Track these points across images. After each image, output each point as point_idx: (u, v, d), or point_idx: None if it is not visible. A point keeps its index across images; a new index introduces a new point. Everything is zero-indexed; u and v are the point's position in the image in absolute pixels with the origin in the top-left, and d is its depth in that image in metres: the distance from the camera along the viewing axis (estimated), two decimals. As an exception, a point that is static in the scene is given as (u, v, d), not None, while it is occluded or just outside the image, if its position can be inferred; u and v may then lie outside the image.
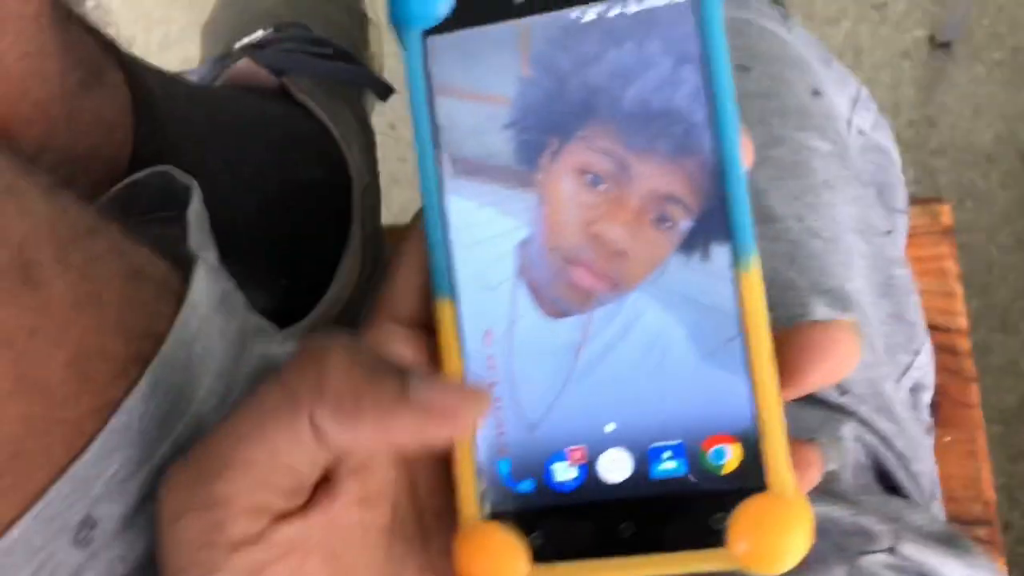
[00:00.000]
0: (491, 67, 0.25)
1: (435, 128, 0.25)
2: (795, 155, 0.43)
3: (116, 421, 0.24)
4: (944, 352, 0.48)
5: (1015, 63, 1.18)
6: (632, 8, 0.24)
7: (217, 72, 0.47)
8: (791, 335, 0.23)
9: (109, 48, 0.37)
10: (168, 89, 0.38)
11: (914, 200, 0.51)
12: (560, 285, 0.25)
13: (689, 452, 0.23)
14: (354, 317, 0.49)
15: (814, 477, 0.23)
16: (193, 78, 0.50)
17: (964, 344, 0.48)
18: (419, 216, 0.26)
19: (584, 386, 0.24)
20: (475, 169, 0.25)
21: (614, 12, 0.24)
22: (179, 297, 0.27)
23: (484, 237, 0.25)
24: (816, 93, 0.47)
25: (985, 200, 1.16)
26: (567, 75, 0.24)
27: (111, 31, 0.37)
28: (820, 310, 0.39)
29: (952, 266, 0.49)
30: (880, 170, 0.51)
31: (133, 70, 0.37)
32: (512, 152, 0.25)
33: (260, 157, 0.43)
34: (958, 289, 0.49)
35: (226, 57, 0.48)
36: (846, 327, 0.23)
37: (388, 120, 1.27)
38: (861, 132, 0.51)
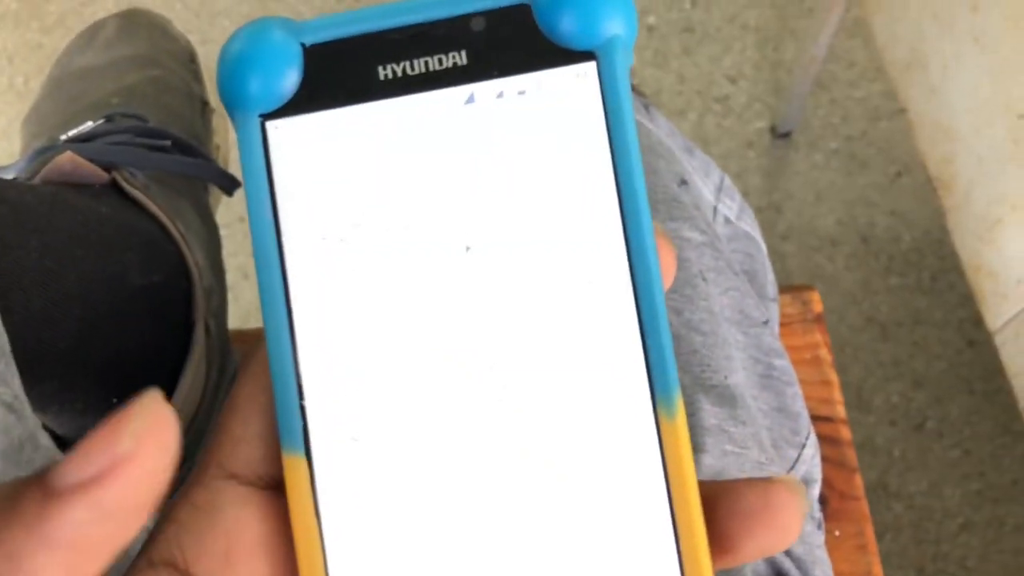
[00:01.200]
0: (347, 160, 0.20)
1: (279, 233, 0.20)
2: (668, 246, 0.42)
3: None
4: (826, 443, 0.47)
5: (849, 151, 1.24)
6: (520, 92, 0.20)
7: (37, 167, 0.42)
8: (723, 495, 0.19)
9: None
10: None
11: (784, 288, 0.51)
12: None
13: None
14: (199, 436, 0.44)
15: (788, 525, 0.19)
16: (9, 174, 0.45)
17: (845, 433, 0.47)
18: (260, 345, 0.21)
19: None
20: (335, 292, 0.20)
21: (498, 96, 0.20)
22: None
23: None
24: (683, 182, 0.46)
25: (832, 282, 1.20)
26: (442, 171, 0.20)
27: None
28: (706, 408, 0.37)
29: (826, 354, 0.49)
30: (748, 258, 0.50)
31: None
32: (379, 267, 0.20)
33: (85, 261, 0.38)
34: (834, 377, 0.48)
35: (48, 149, 0.43)
36: (789, 488, 0.19)
37: (237, 213, 1.22)
38: (727, 220, 0.50)
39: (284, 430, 0.20)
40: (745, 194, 1.26)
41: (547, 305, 0.20)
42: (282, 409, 0.20)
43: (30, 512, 0.16)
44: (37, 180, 0.41)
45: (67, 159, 0.41)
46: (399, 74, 0.20)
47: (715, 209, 0.49)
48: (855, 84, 1.27)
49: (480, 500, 0.20)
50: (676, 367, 0.20)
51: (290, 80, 0.20)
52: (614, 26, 0.20)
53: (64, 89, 0.52)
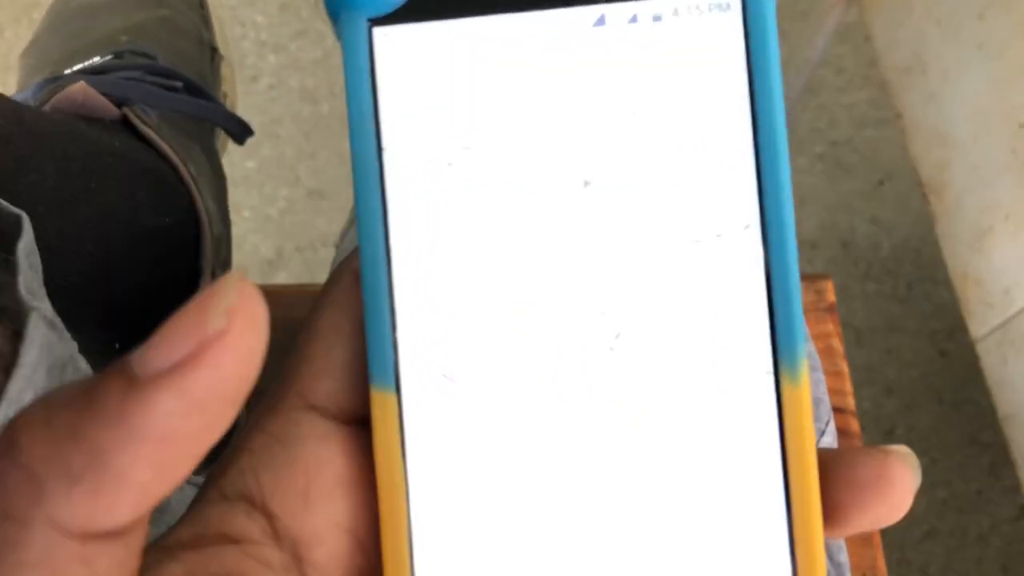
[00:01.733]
0: (457, 74, 0.18)
1: (380, 152, 0.18)
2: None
3: None
4: (838, 434, 0.46)
5: (834, 156, 1.25)
6: (659, 18, 0.18)
7: (46, 96, 0.39)
8: (836, 463, 0.18)
9: None
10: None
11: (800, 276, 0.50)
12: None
13: None
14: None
15: (902, 498, 0.18)
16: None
17: (855, 425, 0.46)
18: (350, 260, 0.19)
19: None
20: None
21: (634, 20, 0.18)
22: (6, 360, 0.20)
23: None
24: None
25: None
26: (563, 95, 0.18)
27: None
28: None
29: (838, 344, 0.48)
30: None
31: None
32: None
33: (99, 195, 0.36)
34: (845, 368, 0.47)
35: (56, 79, 0.41)
36: (905, 460, 0.18)
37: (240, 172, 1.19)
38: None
39: (374, 363, 0.18)
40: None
41: (668, 253, 0.18)
42: (373, 340, 0.18)
43: (113, 405, 0.14)
44: (47, 108, 0.39)
45: (79, 89, 0.39)
46: None
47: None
48: (843, 90, 1.28)
49: (578, 456, 0.18)
50: (805, 329, 0.18)
51: None
52: None
53: (68, 23, 0.50)
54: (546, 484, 0.18)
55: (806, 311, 0.50)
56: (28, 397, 0.20)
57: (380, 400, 0.18)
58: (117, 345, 0.37)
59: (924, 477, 1.14)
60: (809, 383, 0.18)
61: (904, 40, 0.89)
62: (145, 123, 0.40)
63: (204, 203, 0.41)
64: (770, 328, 0.18)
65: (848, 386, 0.48)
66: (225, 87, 0.53)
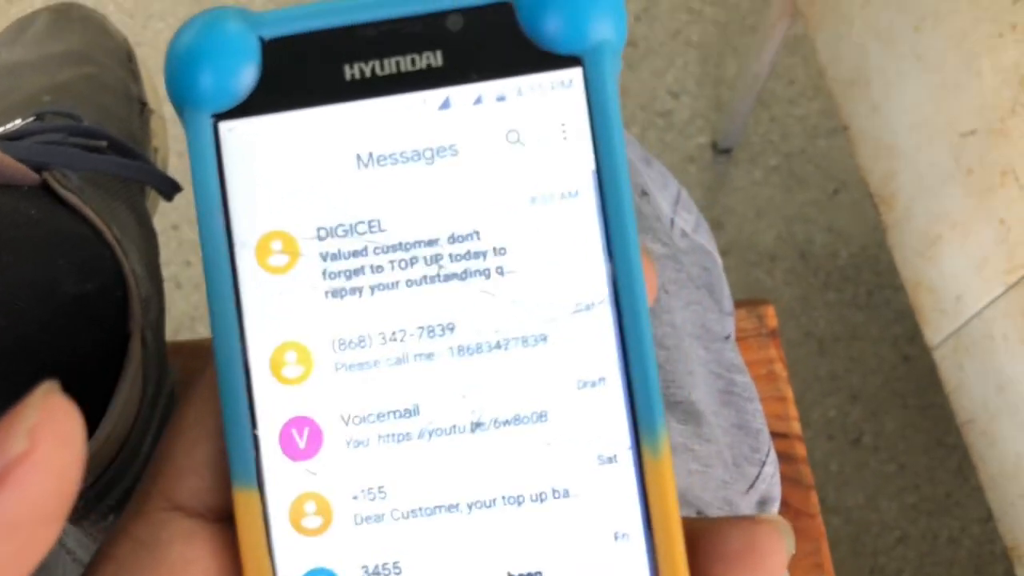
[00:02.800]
0: (306, 166, 0.18)
1: (231, 242, 0.18)
2: (629, 258, 0.41)
3: None
4: (782, 460, 0.46)
5: (788, 168, 1.26)
6: (501, 96, 0.18)
7: (-40, 166, 0.39)
8: (705, 535, 0.18)
9: None
10: None
11: (739, 303, 0.50)
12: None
13: None
14: (134, 453, 0.42)
15: (774, 569, 0.18)
16: (-70, 174, 0.42)
17: (800, 450, 0.46)
18: (210, 367, 0.19)
19: None
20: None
21: (478, 101, 0.18)
22: None
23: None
24: (644, 193, 0.45)
25: (771, 297, 1.21)
26: (412, 181, 0.18)
27: None
28: (672, 426, 0.35)
29: (781, 370, 0.48)
30: (706, 272, 0.49)
31: None
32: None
33: (11, 267, 0.35)
34: (789, 393, 0.47)
35: (-28, 149, 0.41)
36: (776, 529, 0.18)
37: (171, 220, 1.18)
38: (684, 233, 0.49)
39: (235, 462, 0.18)
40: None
41: (523, 328, 0.18)
42: (232, 439, 0.18)
43: None
44: (-39, 180, 0.38)
45: (-6, 158, 0.38)
46: (368, 74, 0.18)
47: (672, 221, 0.48)
48: (795, 102, 1.29)
49: (446, 541, 0.18)
50: (662, 400, 0.18)
51: (247, 77, 0.18)
52: (603, 30, 0.18)
53: (-9, 85, 0.49)
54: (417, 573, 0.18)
55: (747, 337, 0.50)
56: None
57: (243, 499, 0.18)
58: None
59: (893, 483, 1.14)
60: (670, 455, 0.18)
61: (846, 53, 0.90)
62: (66, 187, 0.40)
63: (129, 264, 0.41)
64: (629, 404, 0.18)
65: (793, 411, 0.48)
66: (156, 142, 0.53)
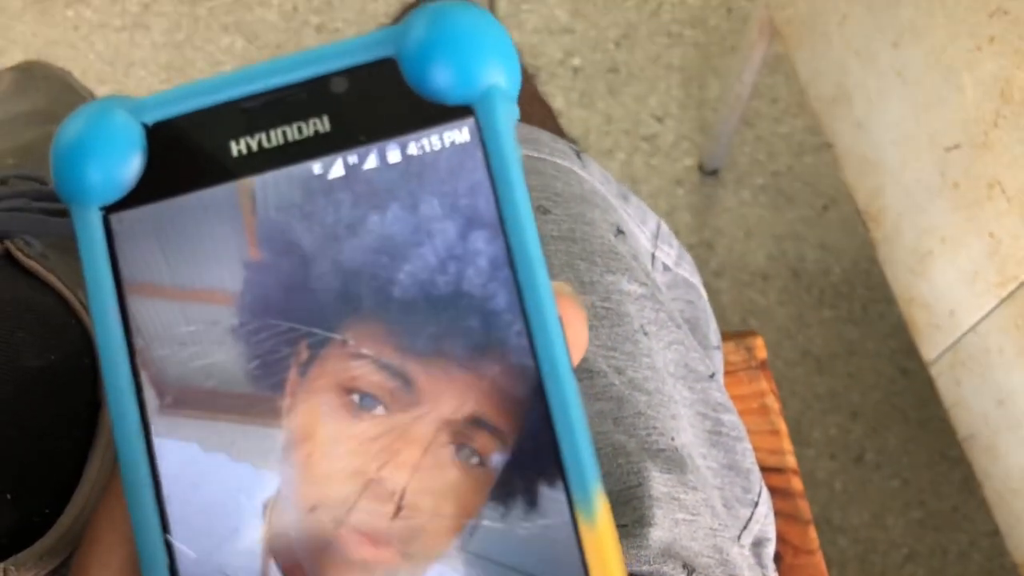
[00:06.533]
0: (203, 251, 0.18)
1: (131, 344, 0.17)
2: (606, 301, 0.40)
3: None
4: (778, 495, 0.45)
5: (776, 187, 1.25)
6: (395, 156, 0.17)
7: (-82, 239, 0.38)
8: None
9: None
10: None
11: (727, 335, 0.49)
12: (329, 564, 0.17)
13: None
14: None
15: None
16: None
17: (797, 484, 0.45)
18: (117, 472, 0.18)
19: None
20: (193, 398, 0.17)
21: (371, 163, 0.18)
22: None
23: (214, 498, 0.17)
24: (620, 232, 0.44)
25: (765, 317, 1.20)
26: (312, 254, 0.17)
27: None
28: (655, 476, 0.34)
29: (773, 402, 0.47)
30: (690, 305, 0.48)
31: None
32: (243, 370, 0.17)
33: (-30, 344, 0.35)
34: (782, 426, 0.46)
35: (-70, 220, 0.40)
36: None
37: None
38: (666, 267, 0.48)
39: (146, 569, 0.17)
40: (676, 232, 1.26)
41: (443, 394, 0.17)
42: (142, 545, 0.17)
43: None
44: (-83, 254, 0.38)
45: (-48, 230, 0.37)
46: (255, 148, 0.18)
47: (653, 256, 0.47)
48: (779, 120, 1.28)
49: None
50: (594, 460, 0.17)
51: (132, 166, 0.18)
52: (492, 75, 0.18)
53: (-47, 151, 0.48)
54: None
55: (736, 371, 0.49)
56: None
57: None
58: (8, 496, 0.36)
59: (898, 499, 1.13)
60: (608, 519, 0.17)
61: (826, 71, 0.90)
62: (27, 255, 0.39)
63: (98, 330, 0.40)
64: (557, 465, 0.17)
65: (787, 444, 0.47)
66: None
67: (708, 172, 1.25)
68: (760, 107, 1.28)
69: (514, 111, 0.18)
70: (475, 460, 0.17)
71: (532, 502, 0.17)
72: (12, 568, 0.35)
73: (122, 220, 0.18)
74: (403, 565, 0.17)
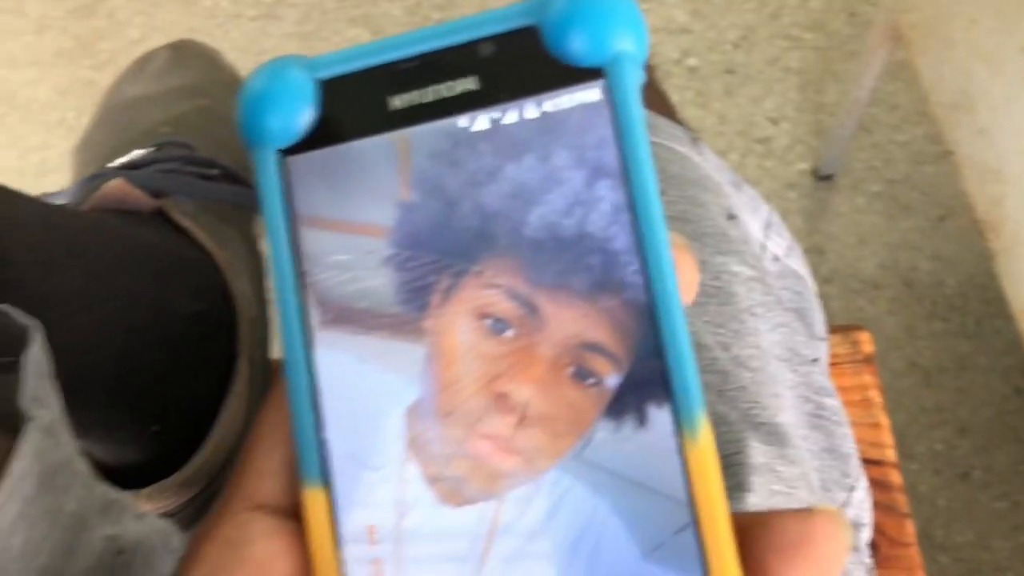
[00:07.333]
0: (364, 191, 0.20)
1: (299, 268, 0.20)
2: (716, 280, 0.41)
3: None
4: (876, 487, 0.45)
5: (892, 194, 1.23)
6: (532, 113, 0.20)
7: (87, 194, 0.42)
8: (760, 527, 0.18)
9: None
10: (15, 211, 0.34)
11: (833, 328, 0.50)
12: (460, 462, 0.19)
13: None
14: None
15: (831, 558, 0.18)
16: (60, 200, 0.45)
17: (896, 478, 0.46)
18: (281, 375, 0.20)
19: None
20: (350, 316, 0.20)
21: (511, 119, 0.20)
22: None
23: (363, 402, 0.20)
24: (731, 216, 0.45)
25: (875, 326, 1.18)
26: (457, 197, 0.20)
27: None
28: (755, 446, 0.36)
29: (876, 396, 0.47)
30: (797, 296, 0.49)
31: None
32: (394, 293, 0.20)
33: (129, 288, 0.38)
34: (884, 420, 0.47)
35: (97, 177, 0.44)
36: (831, 519, 0.18)
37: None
38: (776, 258, 0.49)
39: (302, 461, 0.19)
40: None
41: (566, 322, 0.19)
42: (300, 440, 0.19)
43: None
44: (87, 207, 0.42)
45: (117, 186, 0.41)
46: (411, 103, 0.20)
47: (763, 246, 0.48)
48: (898, 127, 1.26)
49: (494, 530, 0.19)
50: (699, 386, 0.19)
51: (306, 115, 0.20)
52: (622, 42, 0.20)
53: (114, 118, 0.53)
54: (473, 565, 0.19)
55: (842, 363, 0.50)
56: (13, 508, 0.21)
57: (310, 497, 0.19)
58: (155, 428, 0.39)
59: (1005, 521, 1.09)
60: (711, 439, 0.18)
61: (950, 77, 0.88)
62: (181, 213, 0.43)
63: (239, 286, 0.43)
64: (666, 388, 0.19)
65: (888, 438, 0.48)
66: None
67: (822, 177, 1.23)
68: (879, 114, 1.25)
69: (640, 74, 0.20)
70: (591, 381, 0.19)
71: (641, 420, 0.19)
72: (155, 493, 0.38)
73: (295, 162, 0.20)
74: (524, 468, 0.19)
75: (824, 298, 1.25)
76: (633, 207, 0.19)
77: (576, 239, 0.19)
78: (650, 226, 0.19)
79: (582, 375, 0.19)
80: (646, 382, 0.19)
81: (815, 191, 1.24)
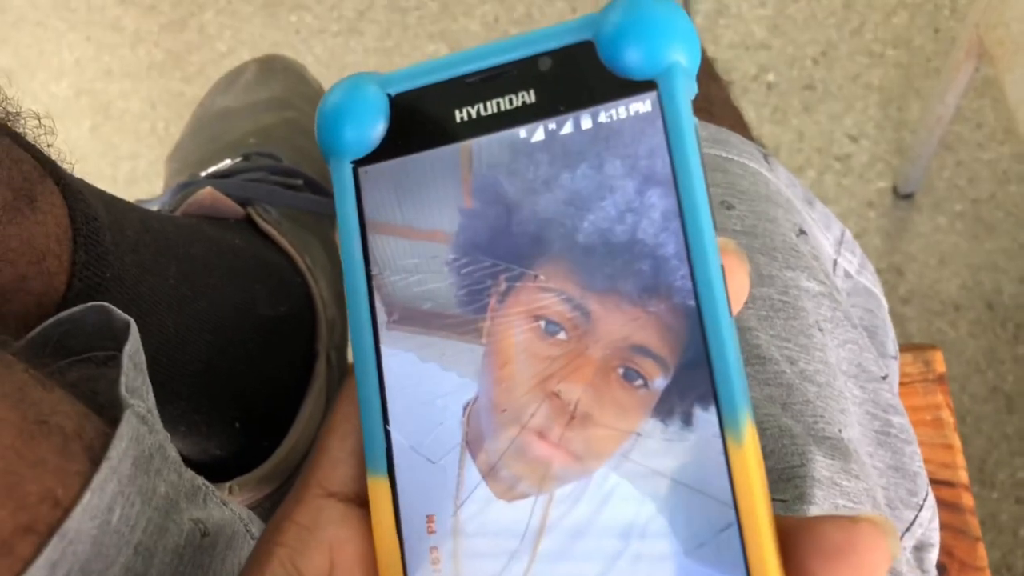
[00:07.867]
0: (428, 199, 0.21)
1: (368, 271, 0.22)
2: (784, 295, 0.41)
3: None
4: (947, 508, 0.45)
5: (975, 214, 1.20)
6: (587, 124, 0.21)
7: (179, 201, 0.44)
8: (803, 531, 0.18)
9: (47, 167, 0.34)
10: (116, 215, 0.36)
11: (905, 347, 0.49)
12: (513, 458, 0.20)
13: None
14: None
15: (875, 566, 0.18)
16: (153, 206, 0.48)
17: (967, 500, 0.45)
18: (352, 372, 0.22)
19: None
20: (414, 316, 0.21)
21: (567, 129, 0.21)
22: (95, 453, 0.23)
23: (425, 399, 0.21)
24: (802, 232, 0.45)
25: (955, 349, 1.15)
26: (514, 204, 0.21)
27: (54, 151, 0.34)
28: (818, 460, 0.36)
29: (948, 416, 0.47)
30: (869, 314, 0.49)
31: (74, 193, 0.34)
32: (454, 296, 0.21)
33: (217, 290, 0.40)
34: (956, 441, 0.46)
35: (189, 184, 0.46)
36: (877, 526, 0.18)
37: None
38: (847, 275, 0.49)
39: (369, 453, 0.21)
40: (865, 255, 1.23)
41: (615, 325, 0.20)
42: (367, 432, 0.21)
43: None
44: (179, 212, 0.44)
45: (207, 194, 0.43)
46: (474, 116, 0.21)
47: (835, 262, 0.48)
48: (983, 146, 1.23)
49: (544, 525, 0.20)
50: (745, 390, 0.19)
51: (378, 128, 0.22)
52: (674, 54, 0.20)
53: (205, 128, 0.55)
54: (529, 556, 0.20)
55: (912, 382, 0.49)
56: (111, 487, 0.23)
57: (375, 486, 0.21)
58: (237, 424, 0.41)
59: (1091, 553, 1.06)
60: (755, 441, 0.19)
61: (1037, 95, 0.87)
62: (265, 220, 0.45)
63: (319, 291, 0.45)
64: (711, 390, 0.19)
65: (960, 459, 0.47)
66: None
67: (902, 195, 1.21)
68: (963, 131, 1.23)
69: (692, 87, 0.21)
70: (639, 382, 0.20)
71: (687, 422, 0.19)
72: (236, 487, 0.40)
73: (368, 172, 0.22)
74: (574, 465, 0.20)
75: (902, 319, 1.23)
76: (682, 214, 0.20)
77: (627, 245, 0.20)
78: (698, 232, 0.20)
79: (630, 377, 0.20)
80: (693, 385, 0.19)
81: (895, 210, 1.22)
